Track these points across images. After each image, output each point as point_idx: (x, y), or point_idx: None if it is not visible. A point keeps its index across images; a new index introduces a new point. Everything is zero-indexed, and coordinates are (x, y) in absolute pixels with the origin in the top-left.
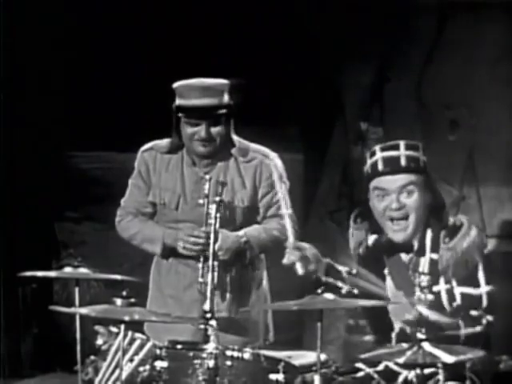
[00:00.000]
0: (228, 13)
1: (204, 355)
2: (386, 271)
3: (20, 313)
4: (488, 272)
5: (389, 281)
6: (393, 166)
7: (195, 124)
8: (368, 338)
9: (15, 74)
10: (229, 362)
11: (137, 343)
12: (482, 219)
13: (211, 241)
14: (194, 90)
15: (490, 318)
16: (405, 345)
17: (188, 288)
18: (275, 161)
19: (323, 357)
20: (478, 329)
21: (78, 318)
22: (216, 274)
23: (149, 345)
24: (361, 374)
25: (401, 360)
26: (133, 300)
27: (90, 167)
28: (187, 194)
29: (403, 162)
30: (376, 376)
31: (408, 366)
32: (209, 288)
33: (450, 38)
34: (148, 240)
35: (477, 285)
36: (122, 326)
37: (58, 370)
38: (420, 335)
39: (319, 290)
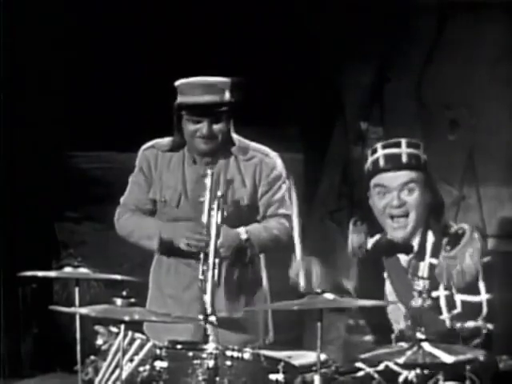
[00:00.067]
0: (228, 13)
1: (204, 355)
2: (385, 274)
3: (20, 313)
4: (488, 280)
5: (388, 285)
6: (394, 163)
7: (197, 121)
8: (368, 337)
9: (15, 74)
10: (229, 362)
11: (137, 343)
12: (482, 219)
13: (212, 237)
14: (196, 87)
15: (489, 326)
16: (405, 345)
17: (188, 288)
18: (275, 160)
19: (323, 357)
20: (477, 341)
21: (77, 318)
22: (217, 271)
23: (149, 345)
24: (361, 373)
25: (401, 360)
26: (133, 300)
27: (90, 167)
28: (188, 192)
29: (404, 159)
30: (376, 376)
31: (408, 365)
32: (209, 285)
33: (449, 38)
34: (145, 235)
35: (477, 293)
36: (122, 326)
37: (58, 370)
38: (420, 335)
39: (319, 290)
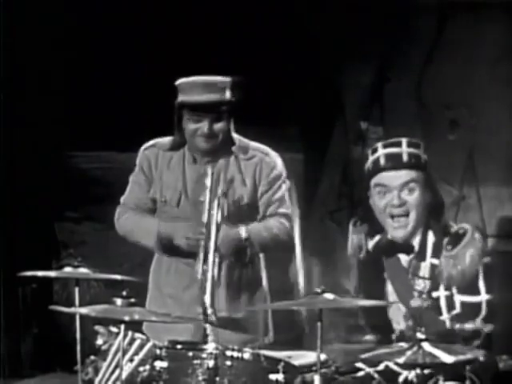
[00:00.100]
0: (228, 13)
1: (204, 355)
2: (385, 275)
3: (20, 313)
4: (488, 281)
5: (388, 285)
6: (395, 162)
7: (198, 120)
8: (369, 337)
9: (15, 74)
10: (229, 362)
11: (137, 343)
12: (482, 219)
13: (212, 235)
14: (197, 86)
15: (488, 327)
16: (405, 345)
17: (188, 287)
18: (275, 159)
19: (323, 357)
20: (477, 342)
21: (77, 318)
22: (216, 269)
23: (149, 345)
24: (361, 373)
25: (401, 360)
26: (133, 300)
27: (90, 167)
28: (188, 191)
29: (405, 158)
30: (376, 376)
31: (408, 365)
32: (209, 284)
33: (450, 38)
34: (143, 233)
35: (477, 293)
36: (122, 326)
37: (58, 370)
38: (420, 335)
39: (319, 290)
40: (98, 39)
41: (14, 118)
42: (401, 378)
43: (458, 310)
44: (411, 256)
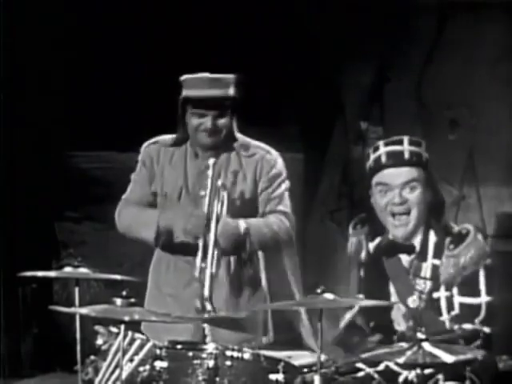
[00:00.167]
0: (228, 13)
1: (204, 355)
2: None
3: (20, 313)
4: (489, 282)
5: (390, 286)
6: (396, 160)
7: (201, 115)
8: (371, 338)
9: (15, 74)
10: (229, 362)
11: (137, 343)
12: (482, 219)
13: (212, 226)
14: (202, 81)
15: (487, 330)
16: (405, 345)
17: (188, 285)
18: (276, 158)
19: (323, 357)
20: (477, 343)
21: (77, 318)
22: (215, 261)
23: (149, 345)
24: (361, 373)
25: (401, 360)
26: (133, 300)
27: (90, 167)
28: (189, 186)
29: (407, 155)
30: (376, 376)
31: (408, 365)
32: (208, 275)
33: (450, 38)
34: (143, 225)
35: (477, 294)
36: (122, 326)
37: (57, 370)
38: (420, 335)
39: (319, 290)
40: (98, 39)
41: (13, 117)
42: (401, 378)
43: (457, 311)
44: (412, 256)
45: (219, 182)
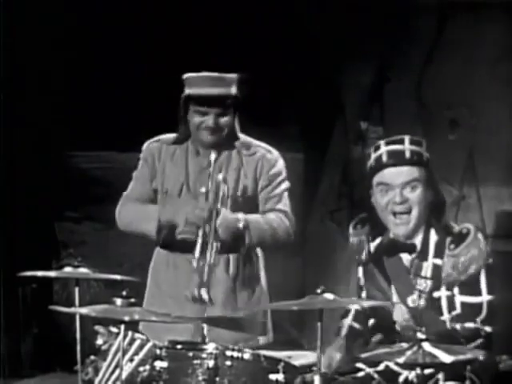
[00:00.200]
0: (228, 13)
1: (204, 355)
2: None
3: (20, 313)
4: (490, 281)
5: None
6: (397, 159)
7: (203, 113)
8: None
9: (15, 74)
10: (229, 362)
11: (137, 343)
12: (482, 219)
13: (212, 217)
14: (205, 79)
15: (488, 329)
16: (405, 345)
17: (187, 284)
18: (277, 157)
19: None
20: (477, 343)
21: (77, 317)
22: (214, 251)
23: (149, 345)
24: (361, 374)
25: (401, 360)
26: (133, 300)
27: (90, 167)
28: (190, 183)
29: (408, 154)
30: (376, 376)
31: (408, 365)
32: (206, 264)
33: (450, 38)
34: (143, 219)
35: (478, 293)
36: (122, 326)
37: (57, 370)
38: (420, 335)
39: (319, 290)
40: (98, 39)
41: (14, 117)
42: (401, 378)
43: (458, 310)
44: (413, 256)
45: (220, 176)
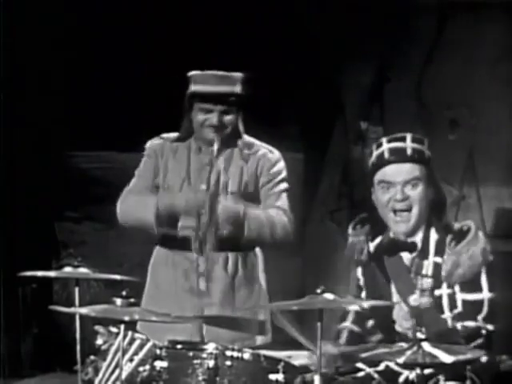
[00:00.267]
0: (228, 13)
1: (204, 355)
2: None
3: (20, 313)
4: (491, 279)
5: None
6: (399, 156)
7: (207, 111)
8: (374, 338)
9: (15, 74)
10: (229, 362)
11: (137, 343)
12: (482, 219)
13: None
14: (210, 77)
15: (489, 327)
16: (405, 345)
17: (186, 282)
18: (278, 157)
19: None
20: (478, 341)
21: (77, 317)
22: (212, 237)
23: (149, 345)
24: (361, 373)
25: (401, 360)
26: (133, 300)
27: (90, 167)
28: (191, 179)
29: (409, 152)
30: (376, 376)
31: (408, 365)
32: (206, 251)
33: (450, 38)
34: (142, 208)
35: (479, 291)
36: (122, 326)
37: (57, 370)
38: (420, 335)
39: (319, 290)
40: (98, 39)
41: (14, 117)
42: (401, 378)
43: (459, 308)
44: (414, 254)
45: (221, 165)
